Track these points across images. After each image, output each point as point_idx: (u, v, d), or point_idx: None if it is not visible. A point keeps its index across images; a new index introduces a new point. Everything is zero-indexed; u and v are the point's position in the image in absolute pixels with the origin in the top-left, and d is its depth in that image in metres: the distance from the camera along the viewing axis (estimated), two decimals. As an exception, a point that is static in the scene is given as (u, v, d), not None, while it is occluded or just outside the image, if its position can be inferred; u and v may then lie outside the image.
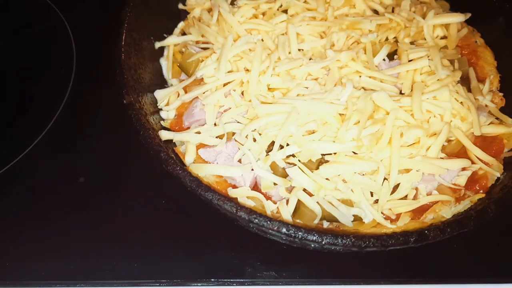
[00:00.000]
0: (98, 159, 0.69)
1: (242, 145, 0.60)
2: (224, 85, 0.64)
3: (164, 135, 0.62)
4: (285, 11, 0.72)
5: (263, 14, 0.73)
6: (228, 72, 0.64)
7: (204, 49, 0.69)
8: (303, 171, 0.57)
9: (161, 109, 0.67)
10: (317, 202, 0.57)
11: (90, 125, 0.72)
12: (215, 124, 0.63)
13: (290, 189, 0.58)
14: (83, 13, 0.84)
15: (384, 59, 0.67)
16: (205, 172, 0.60)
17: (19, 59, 0.80)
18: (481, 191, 0.60)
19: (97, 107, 0.73)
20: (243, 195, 0.59)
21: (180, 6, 0.77)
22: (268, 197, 0.60)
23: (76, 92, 0.75)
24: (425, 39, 0.70)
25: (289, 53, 0.66)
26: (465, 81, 0.68)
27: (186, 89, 0.67)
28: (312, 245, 0.53)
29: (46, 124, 0.71)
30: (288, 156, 0.59)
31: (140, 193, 0.66)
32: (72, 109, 0.73)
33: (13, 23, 0.84)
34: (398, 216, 0.58)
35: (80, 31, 0.81)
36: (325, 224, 0.59)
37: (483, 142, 0.62)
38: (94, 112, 0.73)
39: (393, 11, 0.73)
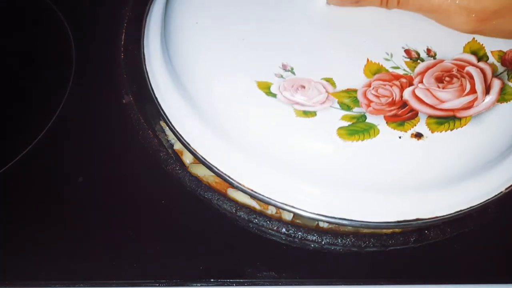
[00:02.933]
0: (97, 159, 0.69)
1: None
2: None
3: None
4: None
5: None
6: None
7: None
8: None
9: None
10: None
11: (89, 125, 0.72)
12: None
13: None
14: (82, 12, 0.84)
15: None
16: (205, 172, 0.59)
17: (18, 59, 0.80)
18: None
19: (97, 107, 0.73)
20: (242, 199, 0.58)
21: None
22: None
23: (76, 91, 0.75)
24: None
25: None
26: None
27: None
28: (312, 245, 0.53)
29: (45, 124, 0.71)
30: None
31: (139, 193, 0.66)
32: (71, 109, 0.73)
33: (13, 23, 0.84)
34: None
35: (80, 31, 0.81)
36: (325, 224, 0.58)
37: None
38: (93, 111, 0.73)
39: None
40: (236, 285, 0.61)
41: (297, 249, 0.57)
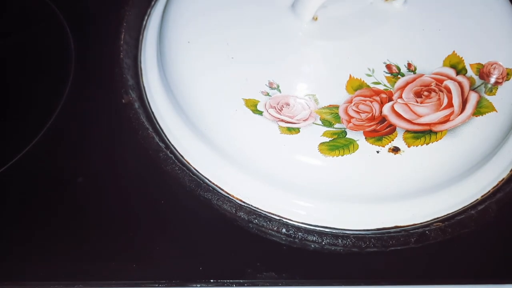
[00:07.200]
0: (96, 159, 0.68)
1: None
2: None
3: None
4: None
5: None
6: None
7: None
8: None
9: (160, 109, 0.67)
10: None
11: (89, 125, 0.72)
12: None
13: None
14: (82, 12, 0.84)
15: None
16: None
17: (17, 59, 0.80)
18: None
19: (96, 107, 0.73)
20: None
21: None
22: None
23: (75, 91, 0.74)
24: None
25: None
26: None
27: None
28: (312, 246, 0.53)
29: (45, 124, 0.71)
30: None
31: (139, 193, 0.66)
32: (71, 108, 0.73)
33: (12, 23, 0.83)
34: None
35: (79, 31, 0.81)
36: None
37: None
38: (92, 111, 0.73)
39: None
40: (236, 286, 0.61)
41: (298, 250, 0.57)
